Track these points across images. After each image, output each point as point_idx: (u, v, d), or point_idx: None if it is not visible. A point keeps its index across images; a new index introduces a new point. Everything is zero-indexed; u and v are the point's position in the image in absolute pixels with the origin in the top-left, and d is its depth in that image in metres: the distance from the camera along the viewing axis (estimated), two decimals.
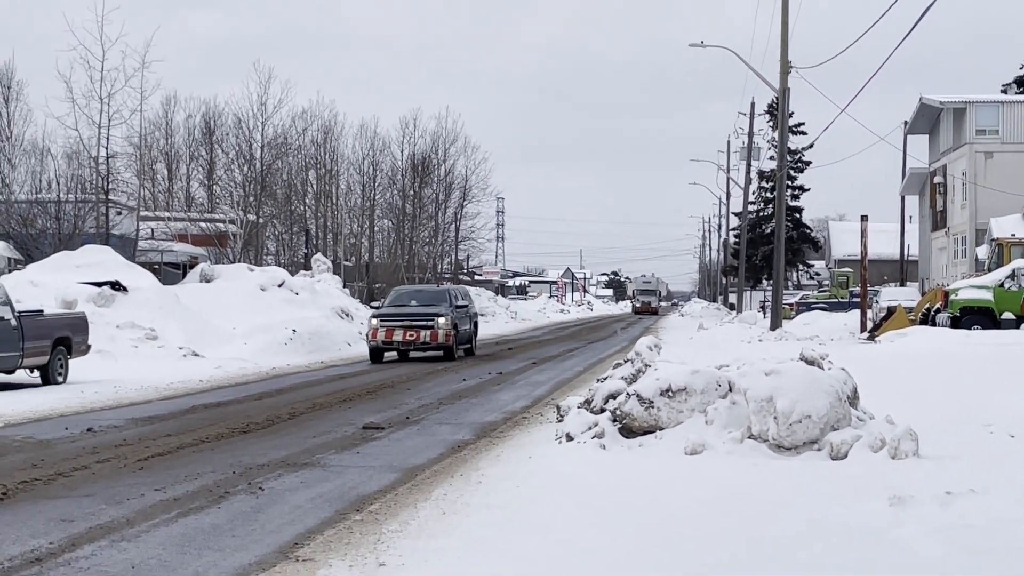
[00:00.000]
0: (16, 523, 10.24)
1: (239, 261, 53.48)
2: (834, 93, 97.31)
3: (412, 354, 35.23)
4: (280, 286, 43.30)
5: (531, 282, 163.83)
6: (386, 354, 34.48)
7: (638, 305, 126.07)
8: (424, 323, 33.81)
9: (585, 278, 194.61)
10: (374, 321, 34.39)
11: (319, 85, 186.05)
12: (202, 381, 25.61)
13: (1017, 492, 9.91)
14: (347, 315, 44.30)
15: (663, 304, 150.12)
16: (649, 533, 9.12)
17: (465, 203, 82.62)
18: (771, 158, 71.81)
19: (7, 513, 10.74)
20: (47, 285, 32.75)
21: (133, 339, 31.01)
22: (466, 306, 36.99)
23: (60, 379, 24.60)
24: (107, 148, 47.33)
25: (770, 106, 75.63)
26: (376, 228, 77.78)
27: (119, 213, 49.64)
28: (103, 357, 28.01)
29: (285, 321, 37.49)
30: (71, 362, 25.29)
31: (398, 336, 33.48)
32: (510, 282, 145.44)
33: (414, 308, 35.07)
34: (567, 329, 66.46)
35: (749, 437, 12.63)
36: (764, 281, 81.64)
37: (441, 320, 33.80)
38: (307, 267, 55.57)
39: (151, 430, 17.10)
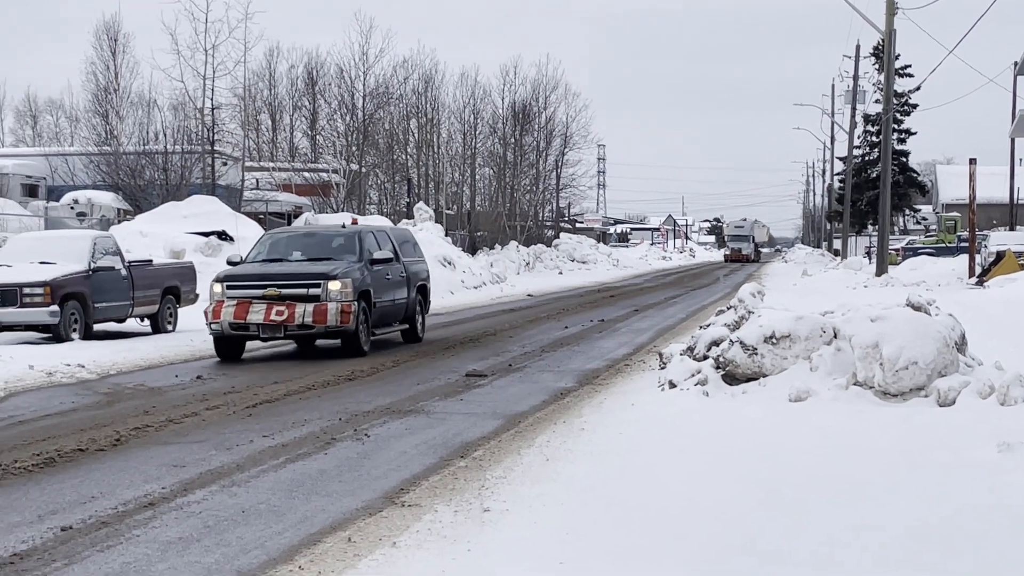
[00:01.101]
0: (129, 468, 10.48)
1: (342, 210, 53.80)
2: (942, 34, 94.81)
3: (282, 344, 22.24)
4: None
5: (632, 229, 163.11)
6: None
7: (728, 252, 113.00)
8: (303, 291, 20.04)
9: (687, 225, 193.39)
10: (218, 289, 20.28)
11: (420, 34, 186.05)
12: None
13: None
14: (449, 263, 44.47)
15: (763, 251, 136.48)
16: (753, 480, 9.08)
17: (566, 150, 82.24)
18: (877, 101, 70.52)
19: (120, 459, 10.99)
20: (156, 235, 33.36)
21: None
22: (390, 260, 22.31)
23: (169, 328, 25.04)
24: (212, 99, 47.86)
25: (876, 48, 74.19)
26: (477, 176, 77.72)
27: (224, 164, 50.22)
28: None
29: None
30: (180, 311, 25.73)
31: (256, 315, 19.65)
32: (611, 229, 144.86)
33: (292, 266, 21.26)
34: (669, 276, 66.17)
35: (854, 384, 12.50)
36: (869, 227, 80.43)
37: (334, 286, 20.05)
38: (409, 216, 55.78)
39: (258, 377, 17.36)
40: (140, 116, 52.26)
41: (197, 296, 26.67)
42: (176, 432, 12.48)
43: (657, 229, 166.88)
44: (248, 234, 35.90)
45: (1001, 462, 9.24)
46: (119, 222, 40.61)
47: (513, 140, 77.35)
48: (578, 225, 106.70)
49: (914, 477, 8.93)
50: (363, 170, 61.10)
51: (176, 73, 50.36)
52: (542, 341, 23.25)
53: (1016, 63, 67.05)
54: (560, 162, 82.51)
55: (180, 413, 13.69)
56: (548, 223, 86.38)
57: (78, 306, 22.32)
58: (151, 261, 25.81)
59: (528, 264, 62.41)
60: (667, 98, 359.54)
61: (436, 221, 54.92)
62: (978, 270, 40.43)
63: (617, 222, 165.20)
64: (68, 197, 45.50)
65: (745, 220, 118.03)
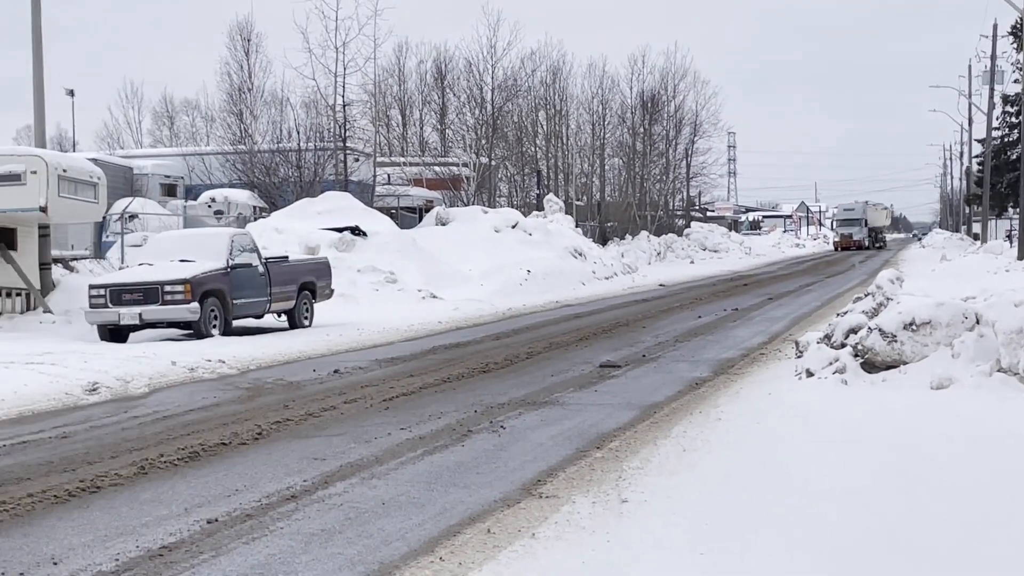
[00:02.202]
0: (271, 461, 10.66)
1: (473, 204, 54.10)
2: None
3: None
4: (513, 227, 43.70)
5: (764, 217, 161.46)
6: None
7: (837, 239, 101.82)
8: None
9: (820, 211, 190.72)
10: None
11: (547, 25, 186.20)
12: (441, 322, 26.08)
13: None
14: (580, 254, 44.47)
15: (888, 236, 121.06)
16: (894, 470, 8.94)
17: (696, 139, 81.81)
18: (1016, 81, 68.88)
19: (262, 452, 11.18)
20: (291, 232, 33.85)
21: (373, 282, 31.81)
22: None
23: (306, 323, 25.42)
24: (343, 96, 48.35)
25: (1013, 27, 72.31)
26: (606, 167, 77.55)
27: (356, 159, 50.73)
28: (345, 301, 28.84)
29: (519, 262, 37.87)
30: (316, 306, 26.11)
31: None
32: (743, 218, 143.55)
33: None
34: (803, 264, 65.38)
35: (998, 371, 12.23)
36: (1010, 209, 78.47)
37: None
38: (539, 208, 55.89)
39: (394, 371, 17.53)
40: (273, 114, 53.11)
41: (332, 291, 27.03)
42: (315, 426, 12.66)
43: (790, 216, 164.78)
44: (380, 228, 36.27)
45: None
46: (255, 219, 41.32)
47: (642, 130, 77.04)
48: (709, 214, 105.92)
49: None
50: (493, 163, 61.31)
51: (308, 71, 51.29)
52: (676, 331, 23.13)
53: None
54: (690, 151, 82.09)
55: (319, 407, 13.88)
56: (678, 212, 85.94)
57: (217, 303, 22.77)
58: (287, 257, 26.21)
59: (659, 254, 62.16)
60: (798, 82, 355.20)
61: (566, 212, 54.94)
62: None
63: (748, 210, 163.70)
64: (205, 196, 46.39)
65: (856, 202, 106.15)
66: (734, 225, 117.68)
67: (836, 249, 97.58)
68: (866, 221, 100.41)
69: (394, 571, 7.24)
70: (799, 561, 6.93)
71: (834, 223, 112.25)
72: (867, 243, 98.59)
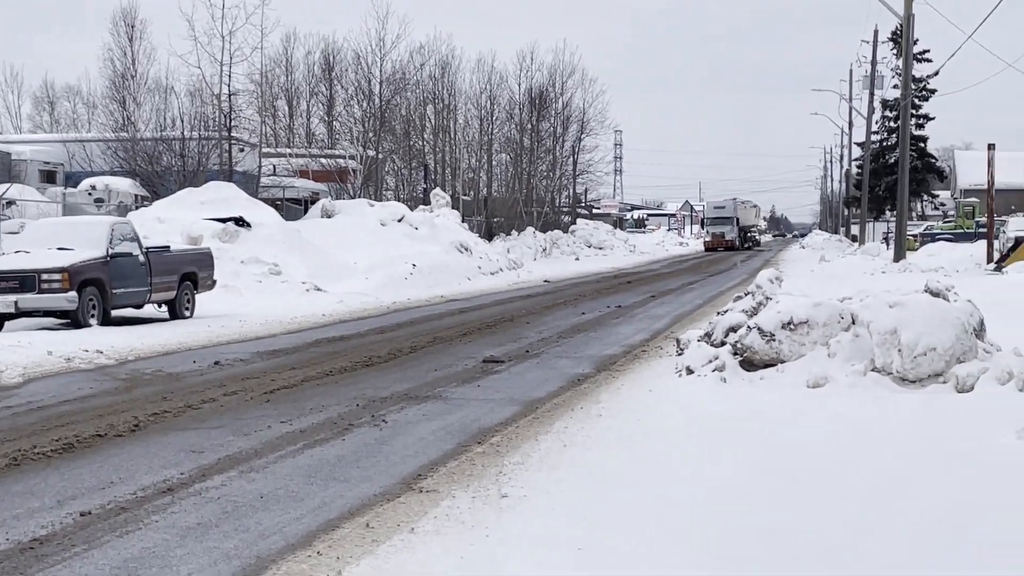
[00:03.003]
0: (148, 454, 10.51)
1: (359, 196, 53.83)
2: (960, 18, 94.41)
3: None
4: (400, 221, 43.60)
5: (649, 215, 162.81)
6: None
7: (708, 239, 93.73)
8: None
9: (704, 210, 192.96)
10: None
11: (436, 20, 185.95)
12: (325, 315, 25.94)
13: None
14: (466, 249, 44.49)
15: (762, 237, 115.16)
16: (770, 468, 9.09)
17: (583, 136, 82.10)
18: (895, 87, 70.26)
19: (139, 444, 11.02)
20: (173, 221, 33.38)
21: (257, 274, 31.51)
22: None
23: (187, 313, 25.11)
24: (229, 85, 47.76)
25: (894, 33, 73.82)
26: (494, 162, 77.65)
27: (241, 150, 50.18)
28: (228, 292, 28.53)
29: (405, 256, 37.80)
30: (197, 297, 25.81)
31: None
32: (628, 215, 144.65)
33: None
34: (686, 262, 66.09)
35: (872, 370, 12.48)
36: (887, 212, 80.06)
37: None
38: (426, 202, 55.81)
39: (276, 363, 17.39)
40: (157, 102, 52.25)
41: (214, 282, 26.74)
42: (194, 418, 12.51)
43: (674, 215, 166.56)
44: (265, 220, 35.95)
45: (1020, 448, 9.22)
46: (136, 208, 40.63)
47: (530, 126, 77.25)
48: (595, 211, 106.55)
49: (933, 465, 8.92)
50: (380, 156, 61.06)
51: (193, 59, 50.44)
52: (559, 327, 23.25)
53: None
54: (577, 148, 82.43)
55: (198, 399, 13.72)
56: (565, 209, 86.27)
57: (96, 292, 22.38)
58: (169, 247, 25.84)
59: (545, 250, 62.41)
60: (684, 83, 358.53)
61: (453, 207, 54.94)
62: (996, 256, 40.33)
63: (634, 208, 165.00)
64: (86, 183, 45.51)
65: (727, 199, 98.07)
66: (619, 223, 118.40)
67: (706, 249, 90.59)
68: (738, 220, 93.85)
69: (271, 565, 7.18)
70: (679, 555, 7.00)
71: (704, 222, 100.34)
72: (738, 243, 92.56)
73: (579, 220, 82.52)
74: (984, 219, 49.15)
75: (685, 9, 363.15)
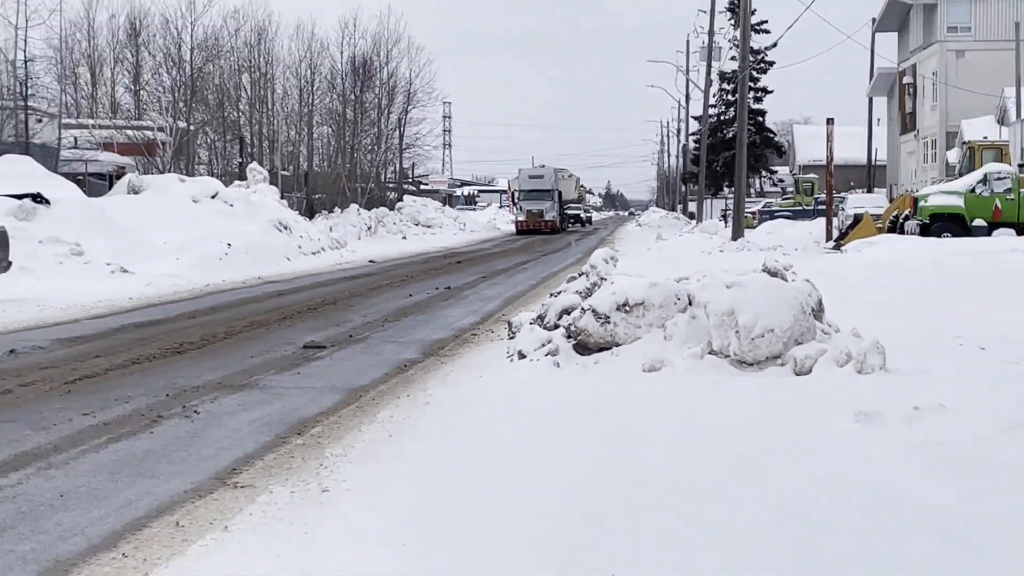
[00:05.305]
0: None
1: (169, 171, 52.92)
2: None
3: None
4: (213, 197, 42.97)
5: (480, 191, 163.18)
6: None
7: (523, 217, 78.21)
8: None
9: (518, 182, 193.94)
10: None
11: None
12: (132, 299, 25.46)
13: (986, 407, 10.03)
14: (285, 228, 44.08)
15: (593, 215, 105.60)
16: (604, 457, 9.19)
17: (409, 108, 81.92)
18: (733, 58, 71.67)
19: None
20: None
21: (57, 255, 30.75)
22: None
23: None
24: (25, 51, 46.59)
25: (732, 3, 75.35)
26: (315, 135, 77.05)
27: (39, 120, 48.95)
28: (25, 274, 27.76)
29: (219, 235, 37.27)
30: None
31: None
32: (458, 192, 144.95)
33: None
34: (518, 241, 66.50)
35: (710, 353, 12.71)
36: (725, 189, 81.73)
37: None
38: (242, 177, 55.11)
39: (78, 351, 17.01)
40: None
41: (10, 264, 26.00)
42: None
43: (506, 191, 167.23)
44: (65, 196, 35.10)
45: (858, 432, 9.48)
46: None
47: (353, 97, 76.78)
48: (423, 187, 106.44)
49: (769, 451, 9.12)
50: (191, 128, 60.13)
51: None
52: (385, 310, 23.19)
53: (874, 19, 68.75)
54: (403, 120, 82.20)
55: None
56: (391, 185, 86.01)
57: None
58: None
59: (370, 228, 62.16)
60: (517, 54, 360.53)
61: (271, 183, 54.35)
62: (836, 233, 41.46)
63: (464, 184, 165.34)
64: None
65: (545, 167, 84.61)
66: (449, 199, 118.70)
67: (518, 232, 77.34)
68: (560, 194, 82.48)
69: (72, 569, 7.04)
70: (507, 550, 7.04)
71: (517, 196, 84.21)
72: (560, 224, 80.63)
73: (406, 197, 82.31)
74: (823, 196, 50.45)
75: None
